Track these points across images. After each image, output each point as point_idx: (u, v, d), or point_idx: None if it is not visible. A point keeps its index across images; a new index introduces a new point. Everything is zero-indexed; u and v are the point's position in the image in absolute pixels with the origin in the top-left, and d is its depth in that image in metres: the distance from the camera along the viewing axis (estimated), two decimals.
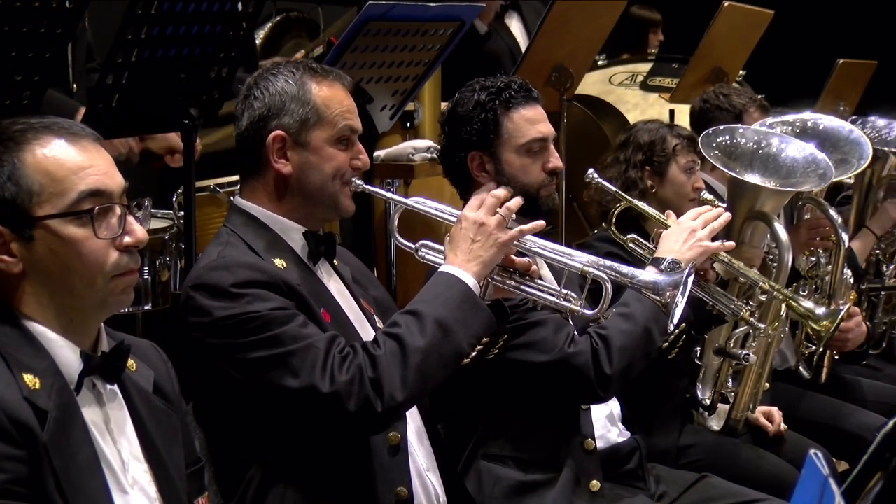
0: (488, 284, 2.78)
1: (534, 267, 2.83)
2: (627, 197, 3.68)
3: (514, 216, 2.81)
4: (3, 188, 2.11)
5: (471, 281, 2.69)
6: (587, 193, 4.01)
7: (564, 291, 2.80)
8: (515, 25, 6.60)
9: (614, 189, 3.65)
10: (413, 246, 2.91)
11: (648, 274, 2.90)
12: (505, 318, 2.84)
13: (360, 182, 2.87)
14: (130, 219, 2.18)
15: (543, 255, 2.87)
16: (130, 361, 2.25)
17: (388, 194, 3.07)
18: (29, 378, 2.06)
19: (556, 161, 3.39)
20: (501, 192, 2.83)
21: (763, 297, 3.57)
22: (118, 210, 2.16)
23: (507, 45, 6.33)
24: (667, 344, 3.38)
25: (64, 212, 2.12)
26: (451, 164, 3.42)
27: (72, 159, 2.14)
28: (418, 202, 2.92)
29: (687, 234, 3.28)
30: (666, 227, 3.41)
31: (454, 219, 2.81)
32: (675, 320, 2.83)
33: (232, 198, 2.94)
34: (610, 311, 2.89)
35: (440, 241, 2.87)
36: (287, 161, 2.80)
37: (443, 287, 2.69)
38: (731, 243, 3.42)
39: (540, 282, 2.84)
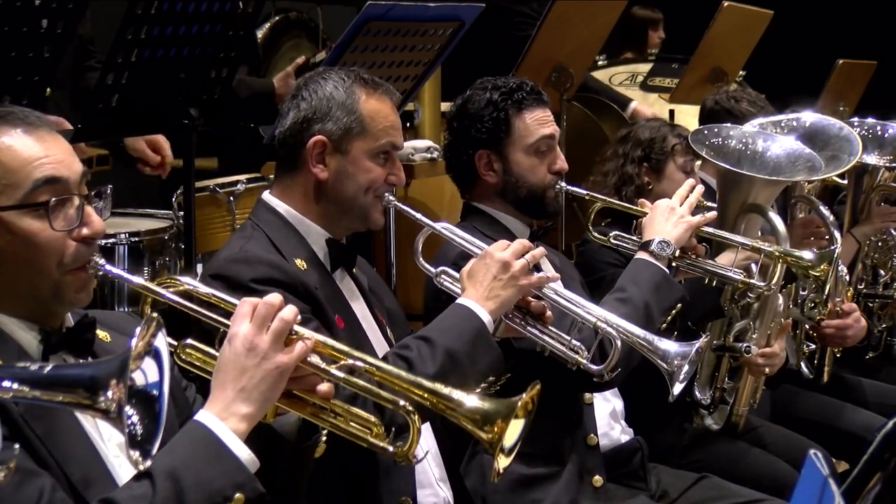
0: (500, 321, 2.77)
1: (548, 313, 2.81)
2: (600, 196, 3.63)
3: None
4: None
5: (486, 317, 2.70)
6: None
7: (573, 342, 2.78)
8: None
9: (584, 192, 3.60)
10: (433, 271, 2.92)
11: (663, 342, 2.85)
12: (511, 356, 2.82)
13: (392, 198, 2.88)
14: (89, 209, 2.13)
15: (559, 304, 2.84)
16: (104, 333, 2.21)
17: (419, 216, 2.95)
18: None
19: (562, 162, 3.40)
20: (528, 242, 2.83)
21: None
22: (76, 201, 2.10)
23: None
24: (664, 326, 3.37)
25: (19, 203, 2.06)
26: (457, 160, 3.42)
27: (27, 150, 2.07)
28: (446, 229, 2.93)
29: (668, 214, 3.29)
30: (644, 215, 3.39)
31: (479, 251, 2.82)
32: (676, 391, 2.80)
33: (267, 192, 2.92)
34: (617, 371, 2.82)
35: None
36: (325, 167, 2.82)
37: (458, 319, 2.69)
38: (713, 213, 3.42)
39: (551, 328, 2.82)
